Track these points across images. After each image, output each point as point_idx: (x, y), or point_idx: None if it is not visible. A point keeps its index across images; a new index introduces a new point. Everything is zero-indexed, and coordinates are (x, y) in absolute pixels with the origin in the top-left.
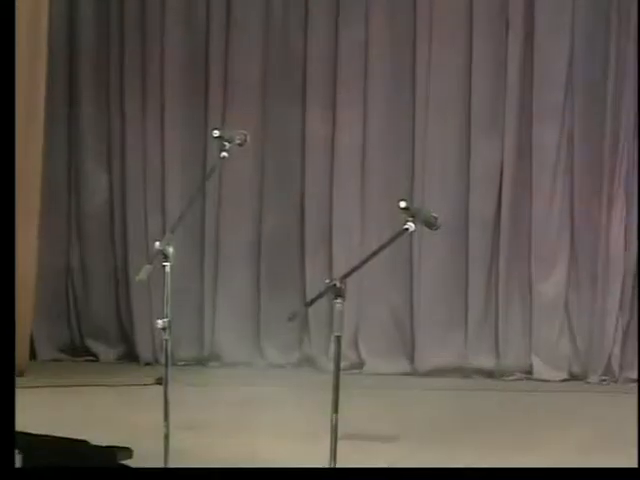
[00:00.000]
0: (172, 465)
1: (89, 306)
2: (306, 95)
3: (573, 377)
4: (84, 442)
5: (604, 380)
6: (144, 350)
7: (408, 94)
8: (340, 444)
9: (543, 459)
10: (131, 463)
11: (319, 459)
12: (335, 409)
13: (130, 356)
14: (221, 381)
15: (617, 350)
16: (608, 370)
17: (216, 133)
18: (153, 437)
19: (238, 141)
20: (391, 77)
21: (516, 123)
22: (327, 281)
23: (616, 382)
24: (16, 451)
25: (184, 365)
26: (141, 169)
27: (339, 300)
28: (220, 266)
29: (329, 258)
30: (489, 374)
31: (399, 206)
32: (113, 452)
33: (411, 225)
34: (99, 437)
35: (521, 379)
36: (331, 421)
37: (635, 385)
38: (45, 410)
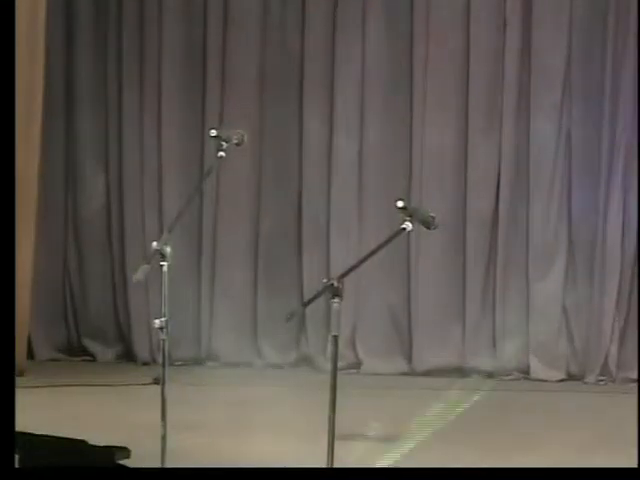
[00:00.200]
0: (169, 465)
1: (86, 306)
2: (303, 94)
3: (570, 377)
4: (82, 442)
5: (601, 380)
6: (141, 350)
7: (406, 93)
8: (337, 444)
9: (541, 459)
10: (129, 463)
11: (316, 459)
12: (333, 409)
13: (128, 356)
14: (219, 381)
15: (614, 350)
16: (605, 370)
17: (213, 133)
18: (151, 437)
19: (235, 141)
20: (389, 76)
21: (514, 122)
22: (324, 281)
23: (613, 382)
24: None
25: (181, 365)
26: (138, 169)
27: (336, 300)
28: (217, 266)
29: (326, 257)
30: (487, 374)
31: (396, 205)
32: (111, 452)
33: (408, 225)
34: (97, 437)
35: (518, 379)
36: (328, 421)
37: (632, 385)
38: (43, 410)
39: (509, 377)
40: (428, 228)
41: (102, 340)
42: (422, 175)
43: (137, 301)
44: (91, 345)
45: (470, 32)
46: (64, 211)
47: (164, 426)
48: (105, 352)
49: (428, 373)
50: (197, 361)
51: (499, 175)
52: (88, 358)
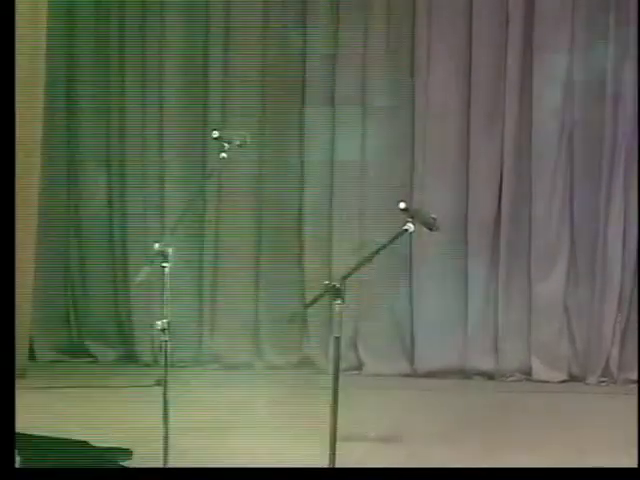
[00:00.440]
0: (171, 466)
1: (88, 307)
2: (305, 95)
3: (572, 378)
4: (84, 443)
5: (603, 381)
6: (143, 351)
7: (408, 92)
8: (338, 444)
9: (543, 459)
10: (130, 464)
11: (318, 460)
12: (334, 410)
13: (129, 357)
14: (220, 382)
15: (616, 351)
16: (607, 371)
17: (215, 134)
18: (152, 438)
19: (238, 142)
20: (390, 76)
21: (515, 123)
22: (326, 282)
23: (615, 383)
24: (16, 451)
25: (183, 366)
26: (140, 170)
27: (338, 301)
28: (219, 267)
29: (328, 259)
30: (488, 375)
31: (399, 207)
32: (112, 453)
33: (410, 226)
34: (99, 438)
35: (520, 380)
36: (330, 422)
37: (634, 386)
38: (45, 411)
39: (511, 378)
40: (430, 229)
41: (104, 341)
42: (424, 176)
43: (139, 303)
44: (93, 346)
45: (472, 31)
46: (66, 212)
47: (166, 427)
48: (107, 353)
49: (430, 374)
50: (199, 362)
51: (501, 176)
52: (90, 359)
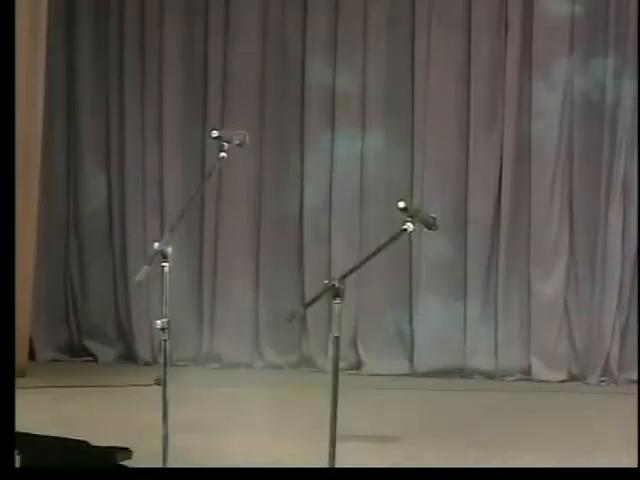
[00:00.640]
0: (171, 465)
1: (88, 307)
2: (304, 95)
3: (572, 378)
4: (84, 442)
5: (603, 381)
6: (143, 350)
7: (407, 93)
8: (339, 444)
9: (542, 459)
10: (130, 463)
11: (318, 459)
12: (334, 410)
13: (129, 356)
14: (220, 381)
15: (615, 351)
16: (607, 371)
17: (215, 134)
18: (152, 437)
19: (237, 141)
20: (389, 77)
21: (515, 123)
22: (326, 281)
23: (615, 383)
24: (16, 451)
25: (183, 365)
26: (140, 169)
27: (338, 300)
28: (219, 266)
29: (328, 258)
30: (488, 375)
31: (398, 206)
32: (112, 452)
33: (410, 225)
34: (98, 437)
35: (520, 380)
36: (330, 421)
37: (634, 386)
38: (44, 410)
39: (511, 378)
40: (429, 229)
41: (103, 341)
42: (424, 176)
43: (138, 302)
44: (92, 346)
45: (471, 32)
46: (65, 212)
47: (165, 426)
48: (106, 353)
49: (429, 374)
50: (198, 362)
51: (500, 176)
52: (89, 359)
